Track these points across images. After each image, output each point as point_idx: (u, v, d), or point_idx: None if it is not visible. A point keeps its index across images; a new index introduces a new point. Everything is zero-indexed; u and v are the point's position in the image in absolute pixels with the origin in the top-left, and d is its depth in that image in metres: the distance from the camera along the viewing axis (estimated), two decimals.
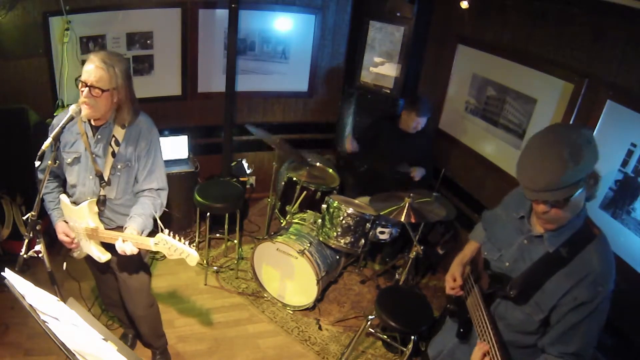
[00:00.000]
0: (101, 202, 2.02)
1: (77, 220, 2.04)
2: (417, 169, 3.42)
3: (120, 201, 2.07)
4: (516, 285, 1.49)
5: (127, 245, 1.87)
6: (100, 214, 2.05)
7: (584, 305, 1.36)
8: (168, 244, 1.80)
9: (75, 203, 2.04)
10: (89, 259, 2.15)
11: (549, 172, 1.28)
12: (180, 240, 1.80)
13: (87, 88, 1.78)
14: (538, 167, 1.31)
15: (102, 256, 2.06)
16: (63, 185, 2.14)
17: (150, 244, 1.84)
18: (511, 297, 1.51)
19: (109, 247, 2.01)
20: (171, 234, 1.81)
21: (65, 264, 2.39)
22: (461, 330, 1.71)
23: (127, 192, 2.07)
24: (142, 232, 1.96)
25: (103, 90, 1.79)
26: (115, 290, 2.38)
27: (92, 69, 1.77)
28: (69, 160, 1.99)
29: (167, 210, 2.00)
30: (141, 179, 2.05)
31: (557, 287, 1.40)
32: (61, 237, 2.09)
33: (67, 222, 2.10)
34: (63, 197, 2.08)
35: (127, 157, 1.99)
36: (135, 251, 1.89)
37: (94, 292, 3.01)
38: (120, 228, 2.10)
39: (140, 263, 2.26)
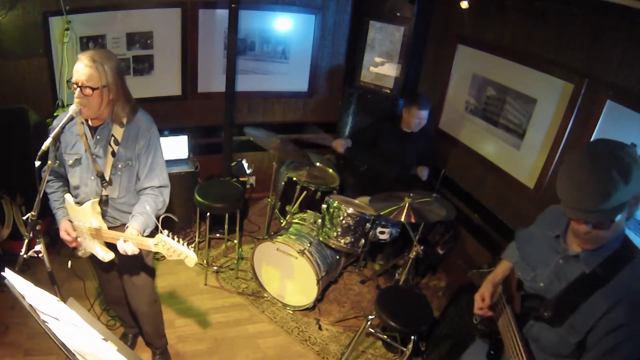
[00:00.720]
0: (103, 202, 2.03)
1: (81, 220, 2.05)
2: (423, 168, 3.41)
3: (123, 200, 2.08)
4: (551, 306, 1.45)
5: (128, 245, 1.88)
6: (104, 214, 2.05)
7: (622, 328, 1.30)
8: (167, 244, 1.80)
9: (79, 203, 2.05)
10: (92, 257, 2.15)
11: (598, 192, 1.22)
12: (179, 241, 1.80)
13: (78, 88, 1.78)
14: (585, 187, 1.24)
15: (106, 255, 2.07)
16: (67, 184, 2.14)
17: (150, 244, 1.84)
18: (545, 318, 1.46)
19: (113, 246, 2.02)
20: (170, 234, 1.81)
21: (70, 262, 2.40)
22: (492, 352, 1.67)
23: (130, 190, 2.08)
24: (143, 231, 1.96)
25: (94, 89, 1.79)
26: (118, 289, 2.39)
27: (82, 69, 1.77)
28: (70, 161, 1.99)
29: (170, 216, 2.01)
30: (142, 177, 2.06)
31: (593, 308, 1.35)
32: (63, 234, 2.09)
33: (71, 222, 2.11)
34: (68, 196, 2.09)
35: (127, 156, 2.00)
36: (136, 251, 1.90)
37: (99, 291, 3.01)
38: (124, 226, 2.11)
39: (144, 261, 2.26)
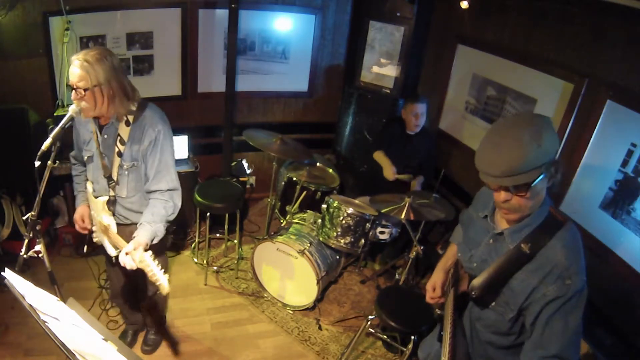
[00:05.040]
0: (111, 203, 2.03)
1: (95, 211, 2.10)
2: (417, 180, 3.42)
3: (133, 199, 2.07)
4: (477, 287, 1.46)
5: (127, 259, 1.82)
6: (113, 212, 2.07)
7: (555, 301, 1.30)
8: (149, 266, 1.75)
9: (96, 196, 2.10)
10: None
11: (509, 155, 1.23)
12: (159, 265, 1.76)
13: (73, 90, 1.80)
14: (497, 151, 1.26)
15: (113, 251, 2.09)
16: None
17: (136, 258, 1.80)
18: (473, 298, 1.48)
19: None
20: (152, 256, 1.77)
21: (85, 247, 2.42)
22: (442, 334, 1.66)
23: (139, 190, 2.06)
24: (152, 240, 1.92)
25: (85, 90, 1.79)
26: (122, 281, 2.42)
27: (73, 70, 1.78)
28: (86, 157, 2.04)
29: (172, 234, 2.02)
30: (150, 180, 2.02)
31: (523, 284, 1.36)
32: (76, 217, 2.15)
33: (89, 208, 2.17)
34: (89, 185, 2.12)
35: (133, 157, 1.98)
36: (134, 267, 1.82)
37: (94, 292, 3.01)
38: (134, 225, 2.07)
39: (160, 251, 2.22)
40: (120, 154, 1.96)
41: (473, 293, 1.47)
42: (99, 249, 2.33)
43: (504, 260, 1.41)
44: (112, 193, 2.02)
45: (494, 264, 1.44)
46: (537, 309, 1.34)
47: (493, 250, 1.49)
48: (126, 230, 2.13)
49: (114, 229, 2.04)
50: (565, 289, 1.29)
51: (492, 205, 1.52)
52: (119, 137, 1.95)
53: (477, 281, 1.47)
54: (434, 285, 1.78)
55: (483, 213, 1.56)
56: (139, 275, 2.29)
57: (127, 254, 1.82)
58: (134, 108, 1.94)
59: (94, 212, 2.11)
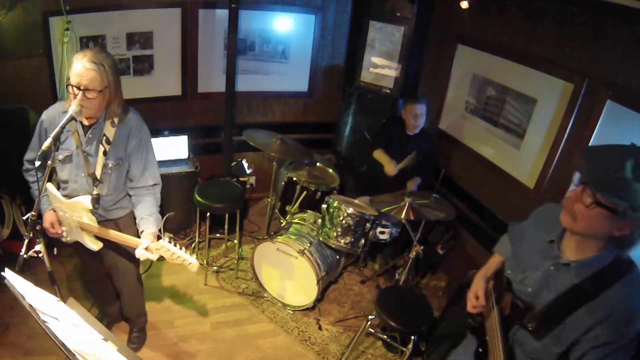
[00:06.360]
0: (95, 201, 2.04)
1: (68, 212, 2.08)
2: (413, 181, 3.42)
3: (111, 197, 2.12)
4: (536, 318, 1.41)
5: (148, 254, 1.91)
6: (93, 211, 2.08)
7: (606, 345, 1.27)
8: (170, 251, 1.85)
9: (67, 196, 2.07)
10: (78, 242, 2.19)
11: (606, 160, 1.23)
12: (181, 248, 1.86)
13: (80, 91, 1.77)
14: (598, 158, 1.26)
15: (94, 246, 2.12)
16: (50, 174, 2.15)
17: (148, 250, 1.88)
18: (529, 330, 1.43)
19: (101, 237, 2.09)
20: (172, 241, 1.86)
21: (55, 249, 2.42)
22: (480, 350, 1.64)
23: (118, 188, 2.12)
24: (159, 230, 2.01)
25: (98, 91, 1.79)
26: (99, 269, 2.44)
27: (83, 71, 1.76)
28: (61, 157, 2.00)
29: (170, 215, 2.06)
30: (136, 177, 2.09)
31: (578, 322, 1.32)
32: (47, 225, 2.10)
33: (55, 212, 2.13)
34: (50, 187, 2.08)
35: (119, 156, 2.03)
36: (154, 257, 1.94)
37: None
38: (109, 222, 2.16)
39: (129, 250, 2.26)
40: (105, 153, 1.99)
41: (529, 325, 1.43)
42: (74, 247, 2.32)
43: (566, 295, 1.37)
44: (95, 192, 2.03)
45: (555, 297, 1.39)
46: (585, 348, 1.31)
47: (552, 278, 1.42)
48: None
49: (95, 224, 2.07)
50: (620, 336, 1.27)
51: (561, 229, 1.44)
52: (104, 137, 1.97)
53: (536, 313, 1.42)
54: (476, 294, 1.72)
55: (549, 236, 1.47)
56: (117, 271, 2.35)
57: (146, 249, 1.90)
58: (120, 110, 1.98)
59: (66, 214, 2.08)
